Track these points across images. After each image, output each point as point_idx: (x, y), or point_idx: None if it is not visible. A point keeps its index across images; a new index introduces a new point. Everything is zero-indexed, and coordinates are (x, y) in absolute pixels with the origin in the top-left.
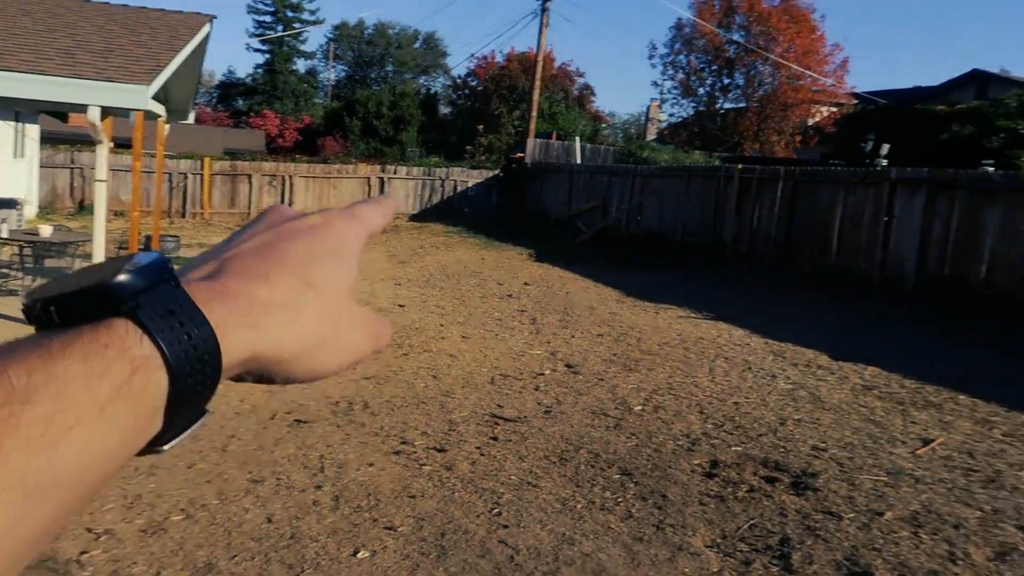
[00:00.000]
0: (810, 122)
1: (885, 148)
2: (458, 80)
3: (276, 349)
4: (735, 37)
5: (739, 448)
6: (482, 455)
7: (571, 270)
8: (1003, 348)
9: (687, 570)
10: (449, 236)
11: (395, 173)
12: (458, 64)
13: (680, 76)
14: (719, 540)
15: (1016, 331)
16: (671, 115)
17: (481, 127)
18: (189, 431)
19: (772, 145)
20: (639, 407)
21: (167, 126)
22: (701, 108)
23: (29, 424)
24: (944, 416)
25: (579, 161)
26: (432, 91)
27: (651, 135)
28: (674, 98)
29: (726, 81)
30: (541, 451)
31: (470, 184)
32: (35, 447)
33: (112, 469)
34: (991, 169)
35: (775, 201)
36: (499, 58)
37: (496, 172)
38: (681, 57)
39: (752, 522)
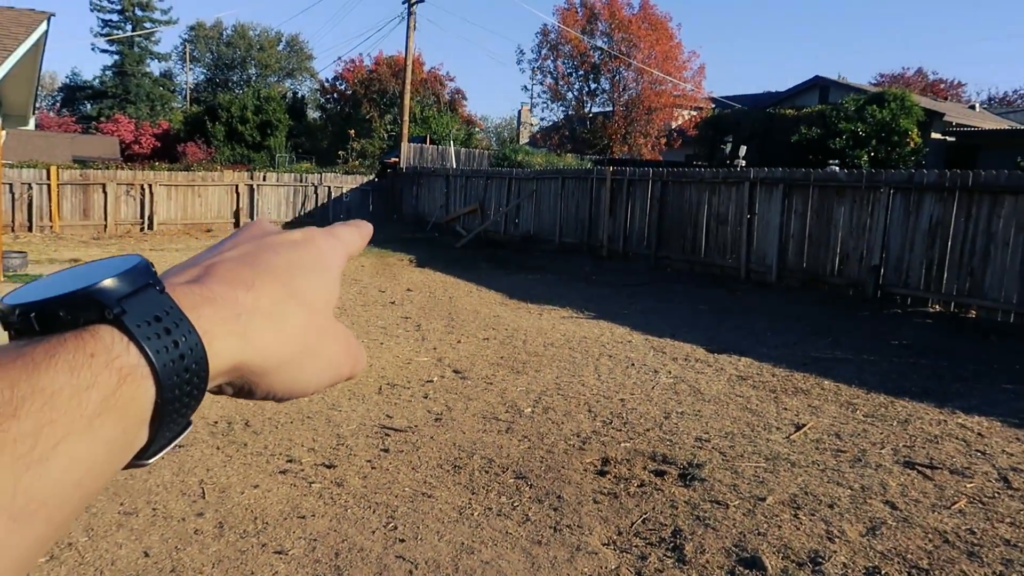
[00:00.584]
0: (673, 125)
1: (743, 150)
2: (326, 84)
3: (260, 359)
4: (599, 43)
5: (628, 444)
6: (373, 468)
7: (453, 274)
8: (857, 334)
9: (586, 570)
10: None
11: (265, 180)
12: (325, 67)
13: (548, 81)
14: (615, 537)
15: (867, 318)
16: (542, 119)
17: (353, 132)
18: (174, 443)
19: (639, 147)
20: (529, 409)
21: (3, 133)
22: (570, 112)
23: (16, 440)
24: (812, 401)
25: (454, 165)
26: (299, 95)
27: (524, 138)
28: (544, 102)
29: (593, 86)
30: (434, 460)
31: (345, 190)
32: (22, 464)
33: (99, 485)
34: (837, 169)
35: (646, 201)
36: (367, 61)
37: (371, 177)
38: (548, 62)
39: (645, 516)
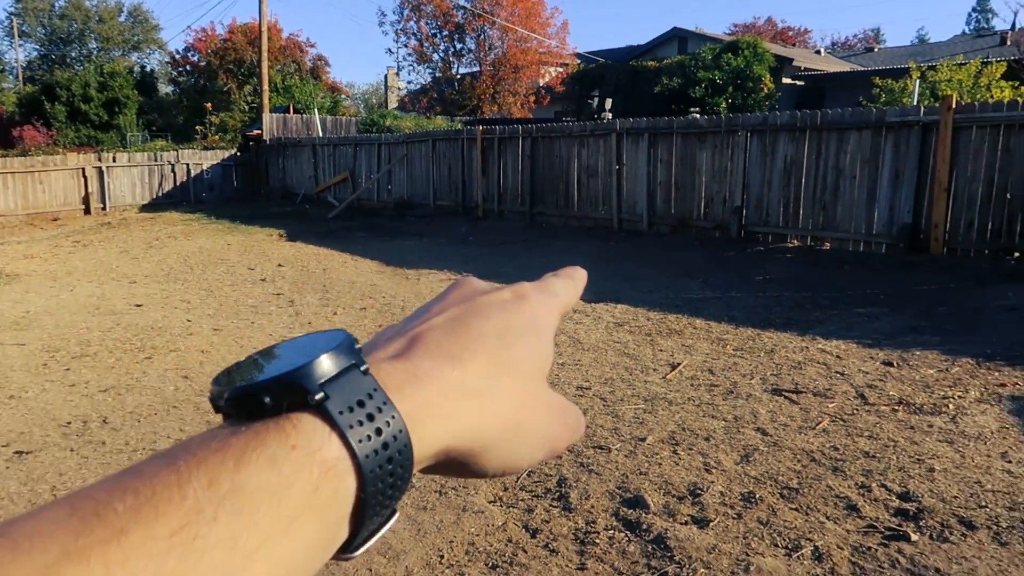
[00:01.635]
0: (541, 83)
1: (609, 103)
2: (177, 56)
3: (469, 441)
4: (461, 2)
5: None
6: None
7: (326, 246)
8: (724, 274)
9: (473, 529)
10: (188, 224)
11: (115, 161)
12: (173, 38)
13: (413, 43)
14: (501, 493)
15: (733, 257)
16: (409, 82)
17: (210, 105)
18: (377, 535)
19: (509, 106)
20: None
21: None
22: (438, 74)
23: (213, 547)
24: (686, 341)
25: (320, 134)
26: (149, 69)
27: (392, 103)
28: (410, 65)
29: (458, 46)
30: None
31: (205, 167)
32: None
33: None
34: (698, 116)
35: (518, 159)
36: (220, 30)
37: (233, 152)
38: (412, 24)
39: (530, 470)
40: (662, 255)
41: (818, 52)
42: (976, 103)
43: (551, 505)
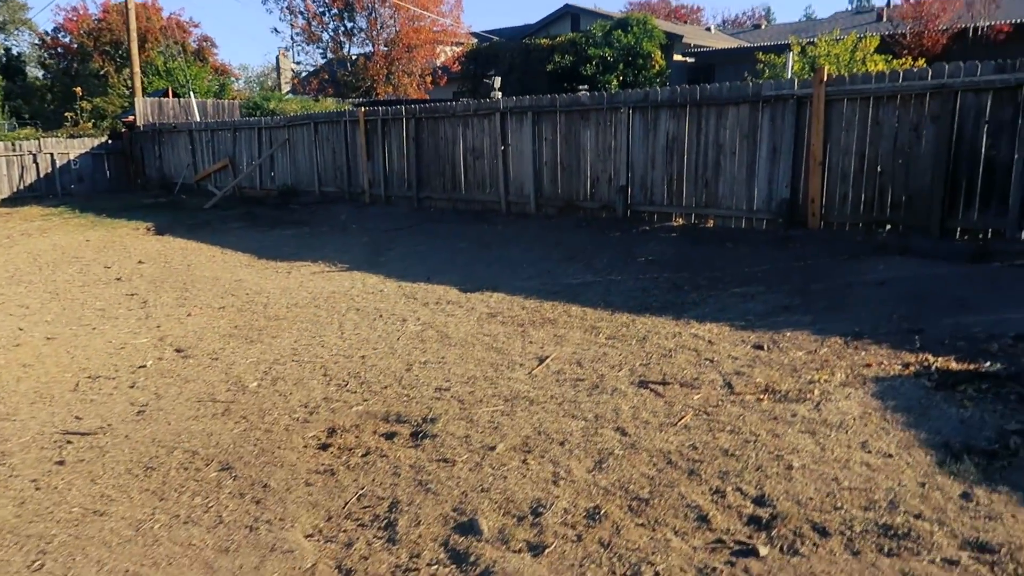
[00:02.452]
0: (438, 63)
1: (497, 81)
2: (47, 37)
3: None
4: None
5: (361, 407)
6: (38, 489)
7: (197, 239)
8: (608, 255)
9: (276, 574)
10: (48, 219)
11: None
12: (38, 13)
13: (301, 22)
14: (323, 524)
15: (618, 238)
16: (298, 63)
17: (80, 90)
18: None
19: (405, 87)
20: (255, 383)
21: None
22: (329, 55)
23: None
24: (559, 330)
25: (198, 119)
26: (15, 52)
27: (286, 86)
28: (298, 45)
29: (349, 25)
30: (123, 465)
31: (72, 156)
32: None
33: None
34: (581, 93)
35: (402, 141)
36: (93, 9)
37: (104, 140)
38: (298, 1)
39: (362, 492)
40: (548, 238)
41: (708, 29)
42: (847, 75)
43: (375, 536)
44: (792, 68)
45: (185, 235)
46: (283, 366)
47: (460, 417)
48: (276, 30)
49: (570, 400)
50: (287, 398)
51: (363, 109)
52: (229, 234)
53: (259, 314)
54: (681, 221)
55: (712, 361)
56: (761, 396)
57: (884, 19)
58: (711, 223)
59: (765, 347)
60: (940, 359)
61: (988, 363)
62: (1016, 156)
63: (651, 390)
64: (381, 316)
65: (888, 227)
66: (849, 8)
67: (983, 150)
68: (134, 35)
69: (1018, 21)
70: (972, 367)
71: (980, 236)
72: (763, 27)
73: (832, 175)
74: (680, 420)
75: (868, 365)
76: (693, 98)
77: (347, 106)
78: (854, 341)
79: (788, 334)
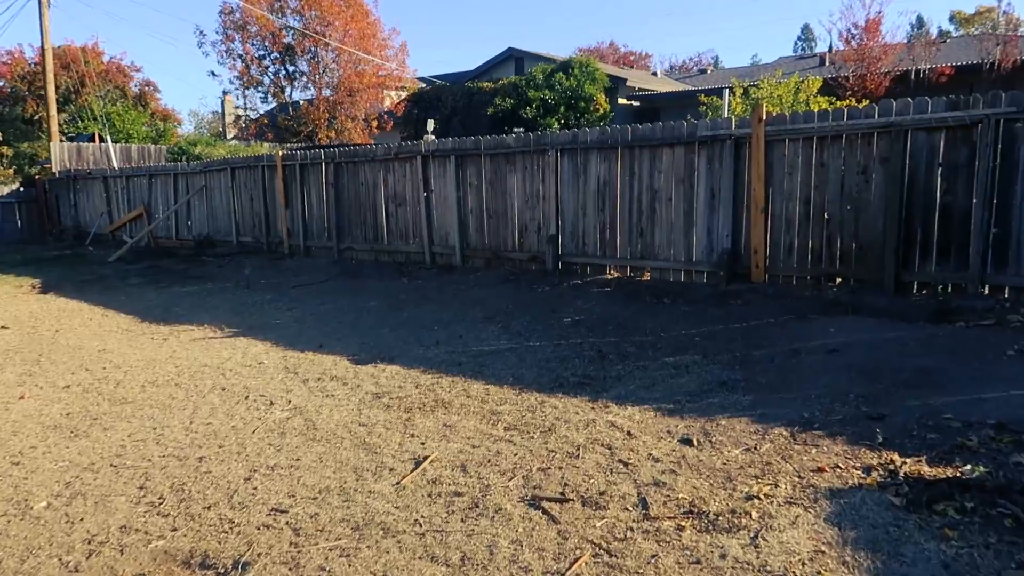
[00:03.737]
0: (384, 107)
1: (431, 124)
2: None
3: None
4: (290, 22)
5: (161, 543)
6: None
7: (82, 298)
8: (530, 315)
9: None
10: None
11: None
12: None
13: (240, 65)
14: None
15: (546, 294)
16: (236, 106)
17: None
18: None
19: (349, 132)
20: (45, 503)
21: None
22: (270, 99)
23: None
24: (451, 417)
25: (115, 165)
26: None
27: (232, 131)
28: (236, 89)
29: (290, 69)
30: None
31: None
32: None
33: None
34: (507, 135)
35: (322, 187)
36: (30, 53)
37: (16, 187)
38: (236, 44)
39: None
40: (469, 294)
41: (655, 74)
42: (787, 114)
43: None
44: (729, 108)
45: (72, 294)
46: (96, 474)
47: (284, 560)
48: (214, 73)
49: (437, 529)
50: (73, 526)
51: (280, 153)
52: (121, 292)
53: (105, 396)
54: (616, 274)
55: (628, 464)
56: (683, 522)
57: (827, 63)
58: (647, 276)
59: (695, 442)
60: (909, 460)
61: (969, 466)
62: (974, 201)
63: (544, 511)
64: (247, 398)
65: (839, 280)
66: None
67: (938, 195)
68: (50, 76)
69: (960, 64)
70: (950, 473)
71: (940, 291)
72: (709, 72)
73: (776, 223)
74: (572, 566)
75: (820, 470)
76: (624, 139)
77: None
78: (803, 432)
79: (723, 422)
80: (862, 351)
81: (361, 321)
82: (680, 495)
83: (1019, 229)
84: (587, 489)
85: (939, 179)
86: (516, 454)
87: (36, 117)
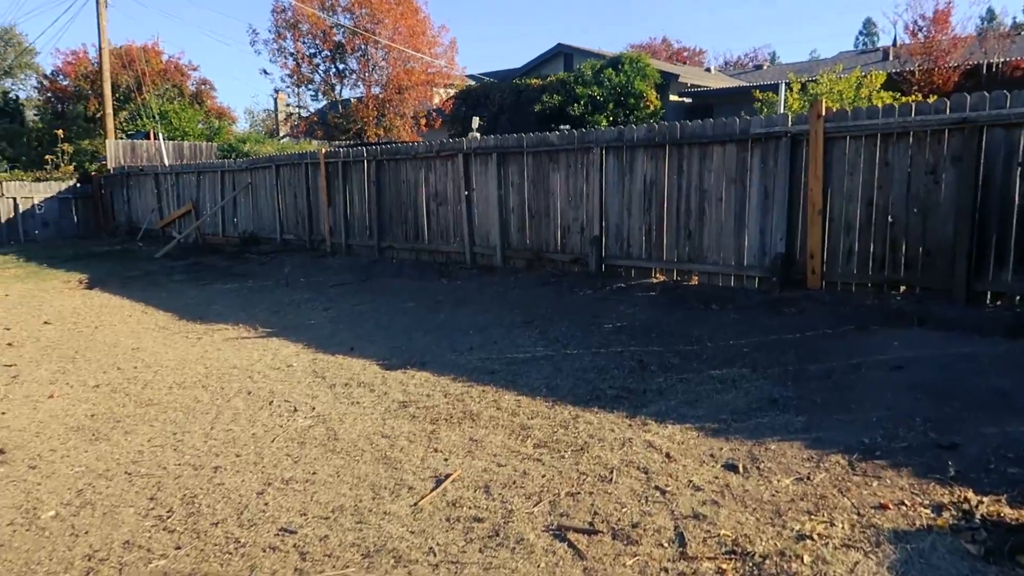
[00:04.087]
0: (434, 104)
1: (476, 121)
2: (44, 80)
3: None
4: (340, 20)
5: (162, 563)
6: None
7: (125, 294)
8: (570, 320)
9: None
10: None
11: None
12: (38, 55)
13: (291, 63)
14: None
15: (588, 297)
16: (287, 104)
17: (62, 132)
18: None
19: (397, 130)
20: (53, 512)
21: None
22: (320, 96)
23: None
24: (478, 431)
25: (167, 162)
26: (12, 95)
27: (285, 128)
28: (288, 87)
29: (340, 67)
30: None
31: (37, 200)
32: None
33: None
34: (551, 132)
35: (363, 186)
36: (93, 52)
37: (73, 183)
38: (287, 42)
39: None
40: (508, 296)
41: (708, 70)
42: (848, 110)
43: None
44: (785, 104)
45: (116, 290)
46: (109, 481)
47: None
48: (266, 71)
49: (452, 559)
50: (77, 540)
51: (324, 150)
52: (164, 288)
53: (131, 397)
54: (662, 277)
55: (665, 492)
56: (724, 564)
57: (891, 58)
58: (695, 280)
59: (740, 468)
60: (986, 499)
61: None
62: None
63: (570, 544)
64: (271, 404)
65: (903, 289)
66: (854, 49)
67: (1017, 197)
68: (107, 74)
69: None
70: None
71: (1018, 302)
72: (765, 68)
73: (835, 226)
74: None
75: (883, 507)
76: (673, 137)
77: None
78: (862, 461)
79: (773, 446)
80: (930, 368)
81: (395, 323)
82: (722, 531)
83: None
84: (619, 519)
85: (1018, 180)
86: (544, 475)
87: (97, 115)
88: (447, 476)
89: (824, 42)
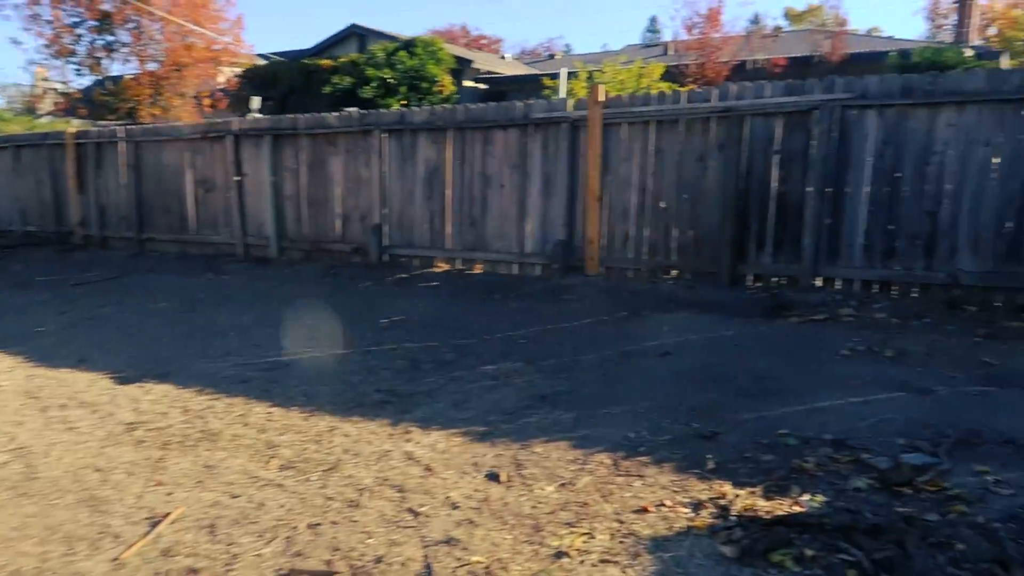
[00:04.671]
0: (219, 83)
1: (256, 102)
2: None
3: None
4: None
5: None
6: None
7: None
8: (348, 315)
9: None
10: None
11: None
12: None
13: (48, 33)
14: None
15: (368, 289)
16: (49, 79)
17: None
18: None
19: (176, 110)
20: None
21: None
22: (83, 71)
23: None
24: (216, 453)
25: None
26: None
27: (47, 105)
28: (45, 59)
29: (109, 39)
30: None
31: None
32: None
33: None
34: (329, 114)
35: (120, 170)
36: None
37: None
38: (43, 8)
39: None
40: (279, 292)
41: (503, 57)
42: (626, 96)
43: None
44: (567, 90)
45: None
46: None
47: None
48: (17, 41)
49: None
50: None
51: (72, 130)
52: None
53: None
54: (446, 266)
55: (418, 514)
56: None
57: (670, 52)
58: (479, 269)
59: (503, 477)
60: (742, 492)
61: (807, 495)
62: (809, 190)
63: None
64: None
65: (676, 273)
66: (641, 43)
67: (774, 184)
68: None
69: (794, 56)
70: (787, 507)
71: (775, 283)
72: (558, 57)
73: (613, 213)
74: None
75: (643, 510)
76: (454, 120)
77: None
78: (627, 459)
79: (539, 448)
80: (696, 353)
81: (143, 327)
82: (475, 556)
83: (851, 219)
84: (362, 554)
85: (776, 168)
86: (284, 505)
87: None
88: (165, 516)
89: (616, 36)
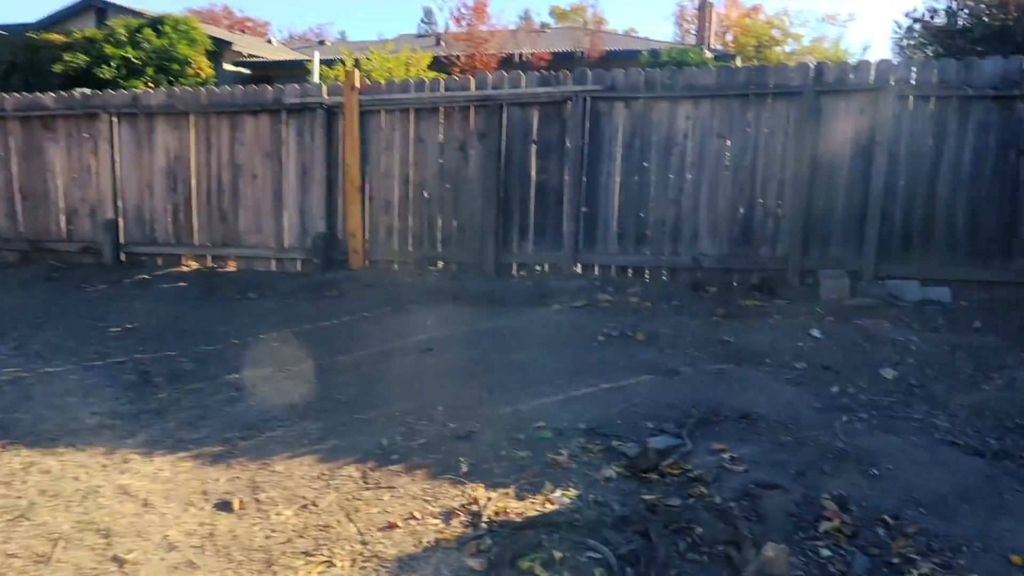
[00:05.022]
0: None
1: None
2: None
3: None
4: None
5: None
6: None
7: None
8: (66, 322)
9: None
10: None
11: None
12: None
13: None
14: None
15: (101, 293)
16: None
17: None
18: None
19: None
20: None
21: None
22: None
23: None
24: None
25: None
26: None
27: None
28: None
29: None
30: None
31: None
32: None
33: None
34: (44, 94)
35: None
36: None
37: None
38: None
39: None
40: None
41: (270, 41)
42: (384, 83)
43: None
44: (321, 75)
45: None
46: None
47: None
48: None
49: None
50: None
51: None
52: None
53: None
54: (195, 264)
55: (124, 563)
56: None
57: (441, 43)
58: (233, 266)
59: (236, 504)
60: (495, 494)
61: (559, 491)
62: (566, 180)
63: None
64: None
65: (441, 265)
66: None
67: (534, 173)
68: None
69: (558, 51)
70: (539, 506)
71: (538, 272)
72: (328, 44)
73: (376, 204)
74: None
75: (391, 526)
76: (198, 104)
77: None
78: (376, 470)
79: (281, 467)
80: (458, 347)
81: None
82: None
83: (605, 207)
84: None
85: (535, 157)
86: None
87: None
88: None
89: (391, 25)
